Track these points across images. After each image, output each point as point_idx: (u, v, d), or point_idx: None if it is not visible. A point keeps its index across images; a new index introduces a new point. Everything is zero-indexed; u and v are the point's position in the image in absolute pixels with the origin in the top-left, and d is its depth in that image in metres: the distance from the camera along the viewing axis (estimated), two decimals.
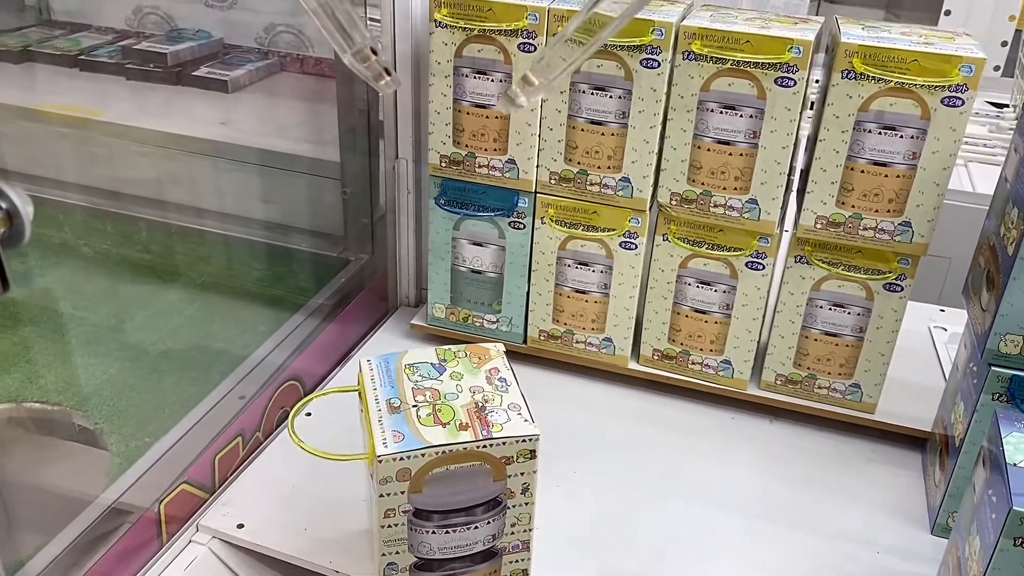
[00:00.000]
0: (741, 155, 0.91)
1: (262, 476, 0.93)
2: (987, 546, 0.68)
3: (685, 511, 0.91)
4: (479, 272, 1.07)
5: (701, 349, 1.03)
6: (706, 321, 1.01)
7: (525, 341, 1.10)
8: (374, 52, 0.54)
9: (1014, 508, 0.65)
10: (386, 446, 0.68)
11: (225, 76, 1.44)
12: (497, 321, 1.10)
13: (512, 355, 1.10)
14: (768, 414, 1.05)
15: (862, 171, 0.88)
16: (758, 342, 1.02)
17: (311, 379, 1.08)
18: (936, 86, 0.83)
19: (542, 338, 1.09)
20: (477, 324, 1.10)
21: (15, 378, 0.97)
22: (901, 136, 0.86)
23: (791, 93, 0.87)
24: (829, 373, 1.00)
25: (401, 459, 0.68)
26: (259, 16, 1.53)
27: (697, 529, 0.89)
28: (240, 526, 0.86)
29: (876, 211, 0.90)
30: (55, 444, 0.94)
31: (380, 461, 0.68)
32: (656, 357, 1.06)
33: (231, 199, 1.29)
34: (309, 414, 1.03)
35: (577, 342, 1.07)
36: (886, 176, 0.88)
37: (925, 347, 1.16)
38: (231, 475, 0.93)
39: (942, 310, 1.25)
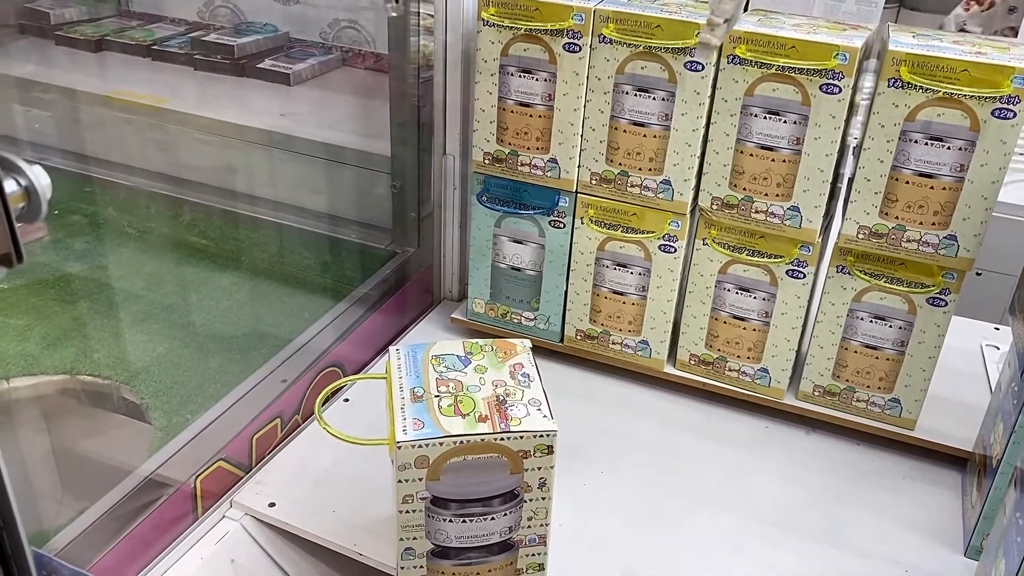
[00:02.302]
0: (784, 161, 0.90)
1: (296, 458, 0.96)
2: (1011, 570, 0.66)
3: (711, 518, 0.90)
4: (519, 269, 1.08)
5: (739, 356, 1.02)
6: (744, 328, 1.01)
7: (562, 340, 1.11)
8: None
9: None
10: (406, 433, 0.70)
11: (288, 69, 1.48)
12: (535, 319, 1.10)
13: (548, 353, 1.12)
14: (804, 425, 1.03)
15: (907, 182, 0.87)
16: (797, 352, 1.01)
17: (352, 366, 1.10)
18: (986, 97, 0.81)
19: (579, 338, 1.09)
20: (515, 321, 1.12)
21: (71, 351, 1.02)
22: (948, 147, 0.84)
23: (836, 100, 0.86)
24: (868, 387, 0.98)
25: (420, 446, 0.70)
26: (324, 11, 1.57)
27: (721, 537, 0.88)
28: (271, 505, 0.89)
29: (920, 223, 0.88)
30: (103, 416, 0.98)
31: (399, 447, 0.69)
32: (693, 362, 1.05)
33: (286, 189, 1.32)
34: (347, 400, 1.06)
35: (613, 343, 1.07)
36: (932, 188, 0.86)
37: (975, 366, 1.13)
38: (267, 455, 0.96)
39: (996, 328, 1.21)
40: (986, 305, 1.41)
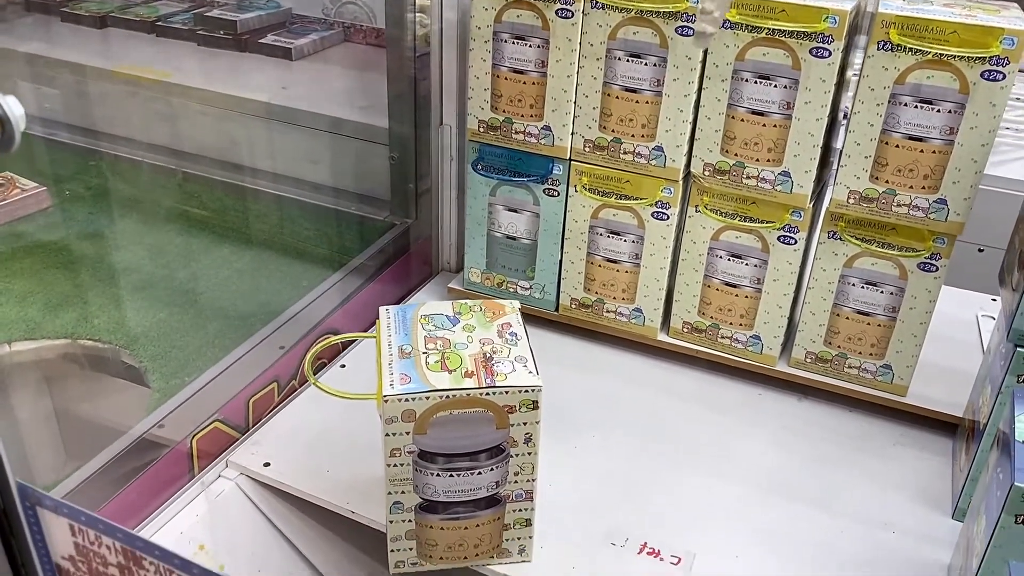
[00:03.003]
0: (775, 126, 0.91)
1: (292, 420, 0.97)
2: (990, 524, 0.67)
3: (699, 480, 0.91)
4: (514, 238, 1.09)
5: (731, 323, 1.03)
6: (737, 295, 1.01)
7: (557, 309, 1.11)
8: None
9: (1015, 484, 0.63)
10: (392, 387, 0.71)
11: (290, 44, 1.49)
12: (530, 288, 1.11)
13: (544, 323, 1.13)
14: (796, 392, 1.04)
15: (897, 146, 0.87)
16: (789, 319, 1.01)
17: (347, 332, 1.11)
18: (976, 58, 0.81)
19: (573, 306, 1.10)
20: (511, 290, 1.12)
21: (71, 317, 1.04)
22: (938, 110, 0.84)
23: (826, 64, 0.86)
24: (860, 353, 0.98)
25: (406, 400, 0.71)
26: None
27: (711, 500, 0.89)
28: (266, 464, 0.90)
29: (911, 187, 0.88)
30: (103, 379, 1.00)
31: (386, 401, 0.70)
32: (685, 329, 1.06)
33: (286, 161, 1.33)
34: (344, 366, 1.07)
35: (607, 311, 1.08)
36: (921, 151, 0.86)
37: (970, 335, 1.13)
38: (264, 418, 0.98)
39: (993, 299, 1.21)
40: (989, 282, 1.41)
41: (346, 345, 1.11)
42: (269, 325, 1.02)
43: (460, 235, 1.21)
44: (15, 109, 0.38)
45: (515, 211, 1.07)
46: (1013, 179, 1.51)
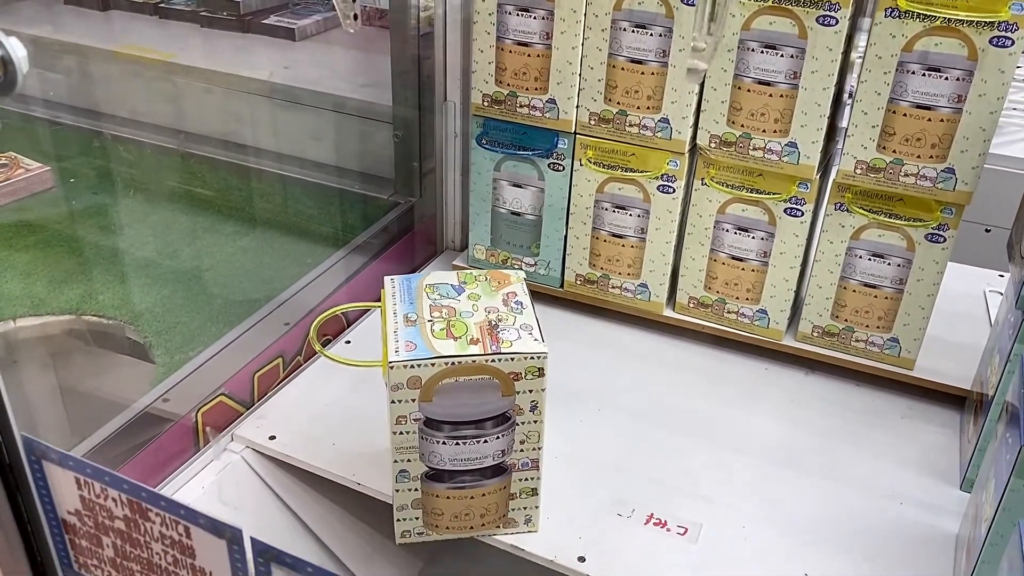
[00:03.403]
0: (781, 96, 0.90)
1: (297, 395, 0.97)
2: (999, 488, 0.66)
3: (704, 452, 0.91)
4: (518, 214, 1.09)
5: (737, 298, 1.02)
6: (743, 269, 1.01)
7: (562, 285, 1.11)
8: (353, 1, 0.63)
9: None
10: (398, 354, 0.71)
11: (293, 25, 1.49)
12: (535, 264, 1.11)
13: (549, 299, 1.12)
14: (803, 366, 1.03)
15: (904, 114, 0.86)
16: (796, 292, 1.00)
17: (354, 312, 1.11)
18: (984, 24, 0.80)
19: (578, 282, 1.10)
20: (516, 267, 1.12)
21: (76, 293, 1.03)
22: (946, 78, 0.83)
23: (832, 32, 0.86)
24: (867, 326, 0.98)
25: (412, 367, 0.70)
26: None
27: (714, 469, 0.89)
28: (272, 438, 0.90)
29: (918, 157, 0.87)
30: (107, 354, 1.00)
31: (392, 368, 0.70)
32: (692, 305, 1.05)
33: (290, 141, 1.33)
34: (349, 342, 1.07)
35: (613, 287, 1.08)
36: (929, 120, 0.85)
37: (977, 310, 1.12)
38: (269, 393, 0.97)
39: (1001, 275, 1.20)
40: (996, 262, 1.40)
41: (351, 322, 1.10)
42: (273, 301, 1.02)
43: (464, 213, 1.21)
44: (17, 51, 0.38)
45: (519, 186, 1.07)
46: (1020, 158, 1.50)
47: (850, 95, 0.92)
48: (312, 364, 1.02)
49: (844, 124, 0.93)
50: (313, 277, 1.07)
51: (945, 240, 0.91)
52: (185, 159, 1.33)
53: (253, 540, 0.41)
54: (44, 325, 1.01)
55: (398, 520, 0.78)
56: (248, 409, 0.95)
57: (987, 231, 1.55)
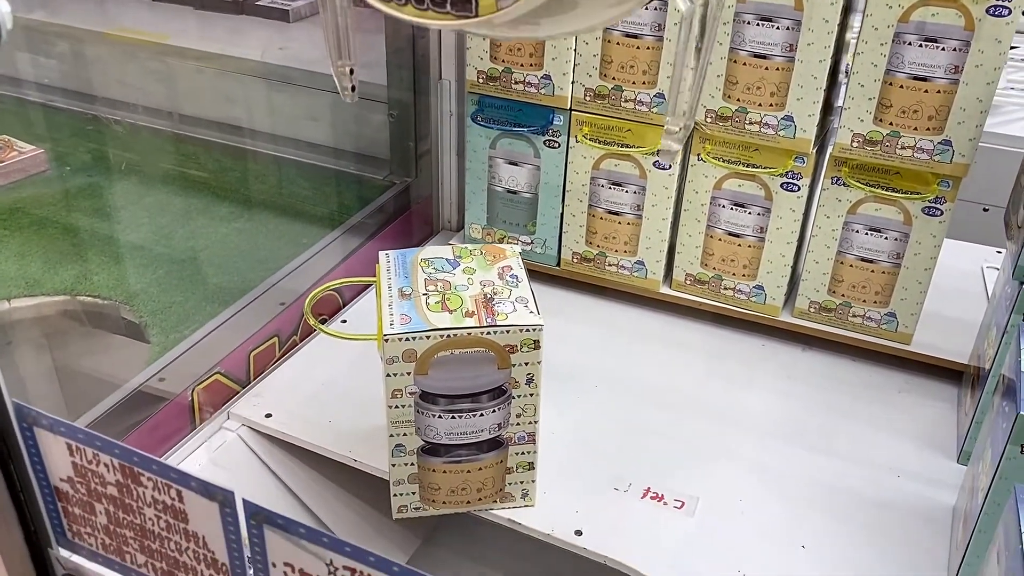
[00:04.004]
0: (778, 70, 0.90)
1: (293, 374, 0.97)
2: (995, 456, 0.66)
3: (701, 428, 0.91)
4: (514, 192, 1.08)
5: (734, 274, 1.02)
6: (740, 245, 1.00)
7: (559, 264, 1.11)
8: (351, 71, 0.67)
9: (1021, 413, 0.63)
10: (392, 327, 0.70)
11: (287, 6, 1.48)
12: (532, 243, 1.11)
13: (546, 278, 1.12)
14: (800, 342, 1.03)
15: (901, 86, 0.86)
16: (793, 268, 1.00)
17: (350, 290, 1.11)
18: None
19: (575, 260, 1.09)
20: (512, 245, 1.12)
21: (71, 274, 1.03)
22: (943, 48, 0.83)
23: (828, 3, 0.85)
24: (864, 301, 0.98)
25: (407, 339, 0.70)
26: None
27: (712, 445, 0.88)
28: (268, 416, 0.90)
29: (915, 129, 0.87)
30: (102, 334, 1.00)
31: (387, 340, 0.70)
32: (688, 282, 1.05)
33: (285, 122, 1.32)
34: (345, 321, 1.07)
35: (610, 265, 1.07)
36: (926, 91, 0.85)
37: (975, 286, 1.12)
38: (265, 371, 0.97)
39: (998, 251, 1.20)
40: (993, 241, 1.40)
41: (347, 301, 1.10)
42: (268, 281, 1.02)
43: (460, 193, 1.20)
44: (2, 6, 0.37)
45: (515, 164, 1.07)
46: (1018, 136, 1.50)
47: (846, 73, 0.92)
48: (308, 343, 1.02)
49: (840, 101, 0.93)
50: (308, 257, 1.06)
51: (942, 213, 0.91)
52: (180, 141, 1.32)
53: (245, 502, 0.41)
54: (39, 306, 1.00)
55: (395, 495, 0.78)
56: (244, 388, 0.95)
57: (985, 210, 1.55)
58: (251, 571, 0.43)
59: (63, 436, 0.45)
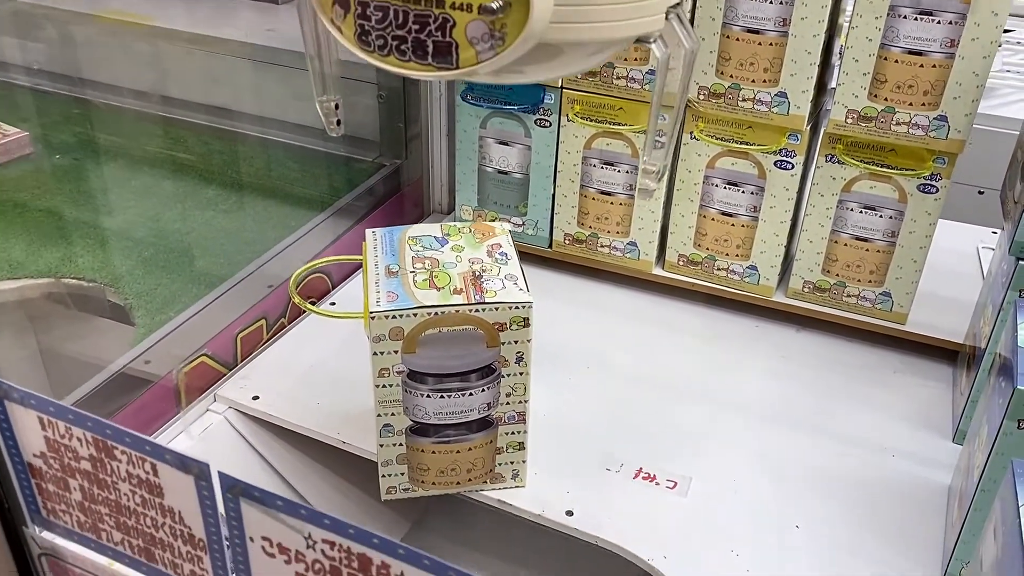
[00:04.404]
0: (771, 45, 0.88)
1: (281, 356, 0.95)
2: (992, 432, 0.65)
3: (694, 409, 0.90)
4: (505, 173, 1.07)
5: (727, 254, 1.01)
6: (733, 224, 0.99)
7: (550, 245, 1.09)
8: (336, 107, 0.66)
9: (1018, 388, 0.62)
10: (379, 304, 0.69)
11: None
12: (523, 224, 1.09)
13: (537, 260, 1.11)
14: (794, 323, 1.02)
15: (896, 61, 0.84)
16: (786, 248, 0.99)
17: (339, 273, 1.09)
18: None
19: (567, 242, 1.08)
20: None
21: (55, 257, 1.02)
22: (938, 22, 0.81)
23: None
24: (859, 280, 0.96)
25: (394, 317, 0.69)
26: None
27: (705, 426, 0.87)
28: (255, 398, 0.89)
29: (910, 104, 0.86)
30: (87, 316, 0.98)
31: (373, 318, 0.69)
32: (681, 263, 1.04)
33: (272, 103, 1.31)
34: (334, 304, 1.05)
35: (602, 246, 1.06)
36: (921, 66, 0.84)
37: (970, 267, 1.11)
38: (252, 354, 0.96)
39: (994, 232, 1.19)
40: (989, 224, 1.39)
41: (336, 284, 1.09)
42: (255, 262, 1.00)
43: (451, 175, 1.19)
44: None
45: (506, 144, 1.05)
46: (1013, 118, 1.49)
47: (840, 54, 0.91)
48: (296, 325, 1.01)
49: (833, 83, 0.92)
50: (296, 239, 1.05)
51: (938, 191, 0.89)
52: (166, 123, 1.31)
53: (221, 475, 0.40)
54: (22, 288, 0.99)
55: (383, 476, 0.77)
56: (231, 370, 0.93)
57: (980, 193, 1.54)
58: (228, 547, 0.42)
59: (34, 409, 0.44)
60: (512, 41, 0.47)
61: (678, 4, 0.54)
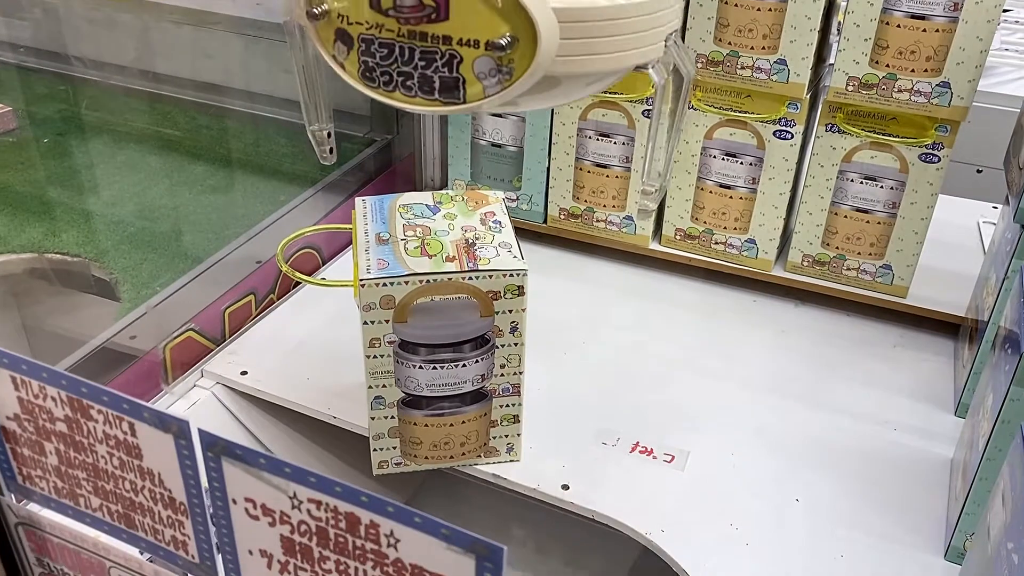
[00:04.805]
0: (771, 10, 0.86)
1: (270, 331, 0.93)
2: (998, 398, 0.64)
3: (692, 384, 0.88)
4: (499, 146, 1.05)
5: (725, 228, 0.99)
6: (731, 197, 0.97)
7: (545, 220, 1.07)
8: (328, 136, 0.66)
9: None
10: (369, 272, 0.67)
11: None
12: (517, 199, 1.07)
13: (533, 235, 1.09)
14: (793, 298, 1.00)
15: (898, 26, 0.82)
16: (785, 221, 0.97)
17: (329, 248, 1.07)
18: None
19: (562, 217, 1.06)
20: None
21: (38, 232, 0.99)
22: None
23: None
24: (859, 253, 0.95)
25: (384, 284, 0.67)
26: None
27: (703, 400, 0.86)
28: (244, 373, 0.87)
29: (912, 71, 0.84)
30: (71, 292, 0.96)
31: (363, 286, 0.67)
32: (678, 237, 1.02)
33: (261, 77, 1.28)
34: (324, 279, 1.03)
35: (598, 220, 1.04)
36: (924, 31, 0.82)
37: (971, 241, 1.09)
38: (241, 329, 0.94)
39: (995, 207, 1.17)
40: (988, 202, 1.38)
41: (326, 260, 1.07)
42: (243, 236, 0.98)
43: (443, 149, 1.17)
44: None
45: (499, 116, 1.03)
46: (1012, 95, 1.47)
47: (838, 30, 0.89)
48: (286, 301, 0.99)
49: (832, 57, 0.90)
50: (284, 213, 1.03)
51: (939, 160, 0.88)
52: (153, 99, 1.28)
53: (202, 433, 0.38)
54: (5, 263, 0.96)
55: (375, 450, 0.75)
56: (219, 345, 0.91)
57: (979, 171, 1.52)
58: (210, 509, 0.40)
59: (6, 368, 0.42)
60: (520, 75, 0.48)
61: (675, 31, 0.56)
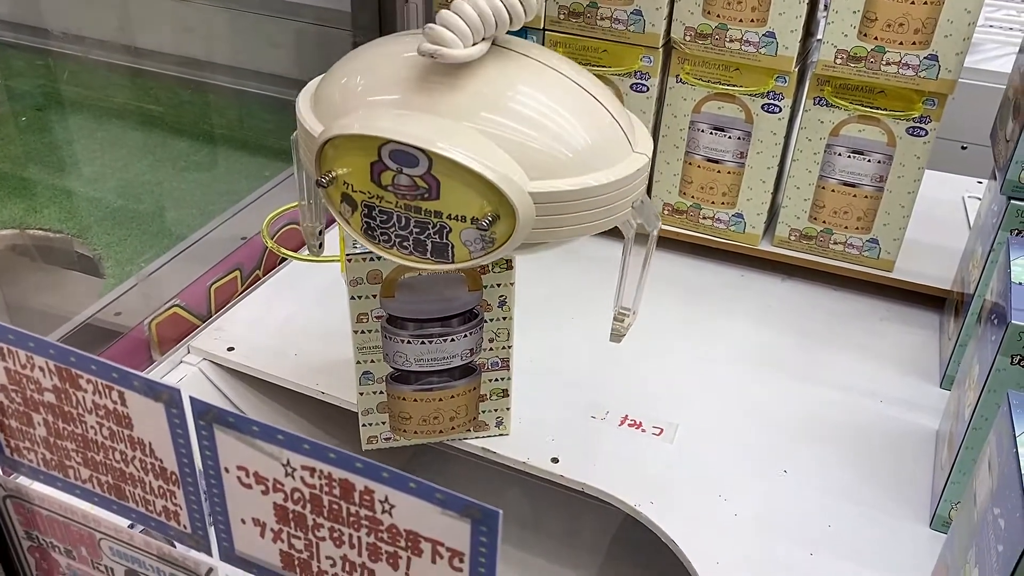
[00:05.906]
0: None
1: (257, 307, 0.93)
2: (984, 369, 0.64)
3: (680, 358, 0.88)
4: None
5: (712, 202, 0.99)
6: (719, 171, 0.97)
7: None
8: (320, 232, 0.72)
9: (1012, 322, 0.61)
10: (356, 246, 0.67)
11: None
12: None
13: None
14: (780, 272, 1.01)
15: None
16: (773, 195, 0.97)
17: None
18: None
19: None
20: None
21: (19, 209, 0.98)
22: None
23: None
24: (846, 227, 0.95)
25: (371, 259, 0.66)
26: None
27: (691, 373, 0.86)
28: (230, 349, 0.86)
29: (900, 43, 0.84)
30: (54, 268, 0.95)
31: (350, 260, 0.66)
32: (666, 212, 1.02)
33: (244, 52, 1.27)
34: (310, 255, 1.02)
35: None
36: (912, 3, 0.82)
37: (956, 215, 1.10)
38: (227, 306, 0.93)
39: (980, 182, 1.18)
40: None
41: None
42: (228, 212, 0.97)
43: None
44: None
45: None
46: (997, 71, 1.47)
47: (826, 7, 0.88)
48: (272, 277, 0.98)
49: (821, 33, 0.90)
50: (269, 189, 1.02)
51: (927, 134, 0.88)
52: (136, 75, 1.26)
53: (193, 400, 0.37)
54: None
55: (363, 425, 0.75)
56: (205, 321, 0.91)
57: (963, 148, 1.53)
58: (202, 480, 0.40)
59: None
60: (501, 244, 0.56)
61: (641, 195, 0.62)
